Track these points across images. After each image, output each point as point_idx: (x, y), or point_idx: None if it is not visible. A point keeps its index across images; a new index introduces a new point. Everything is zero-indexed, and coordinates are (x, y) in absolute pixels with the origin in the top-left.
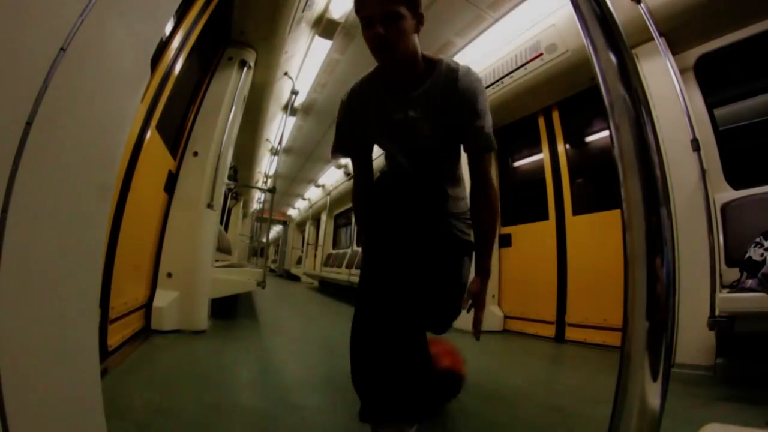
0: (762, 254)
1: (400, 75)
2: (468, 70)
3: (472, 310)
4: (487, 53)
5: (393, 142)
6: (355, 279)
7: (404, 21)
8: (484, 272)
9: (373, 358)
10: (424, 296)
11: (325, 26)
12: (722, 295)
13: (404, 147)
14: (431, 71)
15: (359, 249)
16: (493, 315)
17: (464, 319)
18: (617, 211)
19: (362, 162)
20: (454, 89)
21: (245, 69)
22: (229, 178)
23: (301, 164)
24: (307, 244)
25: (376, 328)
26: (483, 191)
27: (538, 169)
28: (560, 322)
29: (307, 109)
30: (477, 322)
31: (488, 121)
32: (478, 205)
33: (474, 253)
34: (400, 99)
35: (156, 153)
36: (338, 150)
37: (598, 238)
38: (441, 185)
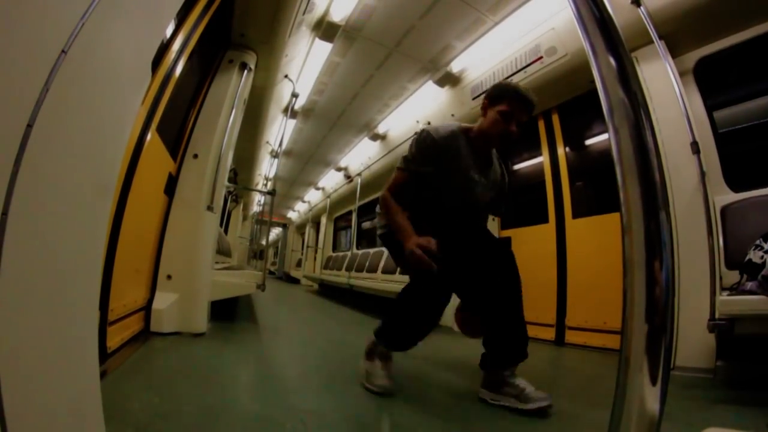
0: (762, 256)
1: (488, 152)
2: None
3: None
4: (487, 57)
5: (459, 191)
6: (355, 282)
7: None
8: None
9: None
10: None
11: (325, 29)
12: (722, 297)
13: (467, 198)
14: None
15: (359, 252)
16: None
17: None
18: (617, 214)
19: (415, 183)
20: (503, 176)
21: (245, 71)
22: (229, 180)
23: (301, 167)
24: (307, 246)
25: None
26: None
27: (538, 172)
28: (560, 325)
29: (307, 112)
30: None
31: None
32: None
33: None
34: (480, 167)
35: (156, 155)
36: (416, 164)
37: (598, 241)
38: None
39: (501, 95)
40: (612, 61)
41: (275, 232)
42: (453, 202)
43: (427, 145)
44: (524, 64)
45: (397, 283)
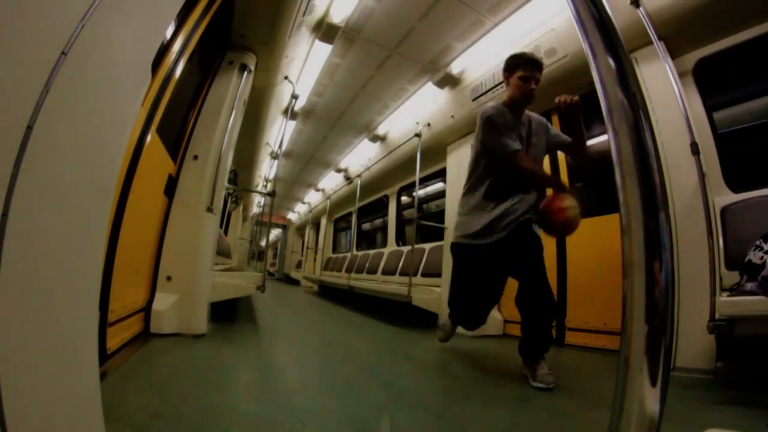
0: (762, 257)
1: (521, 113)
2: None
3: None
4: (486, 58)
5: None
6: (354, 283)
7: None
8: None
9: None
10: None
11: (325, 30)
12: (722, 298)
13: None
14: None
15: (359, 253)
16: (493, 319)
17: None
18: (617, 215)
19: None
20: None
21: (245, 73)
22: (229, 181)
23: (301, 168)
24: (307, 247)
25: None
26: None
27: None
28: (560, 326)
29: (307, 113)
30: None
31: None
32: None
33: None
34: (519, 126)
35: (156, 156)
36: (512, 140)
37: (597, 242)
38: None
39: (516, 64)
40: (611, 62)
41: (275, 234)
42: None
43: (492, 119)
44: None
45: (396, 284)
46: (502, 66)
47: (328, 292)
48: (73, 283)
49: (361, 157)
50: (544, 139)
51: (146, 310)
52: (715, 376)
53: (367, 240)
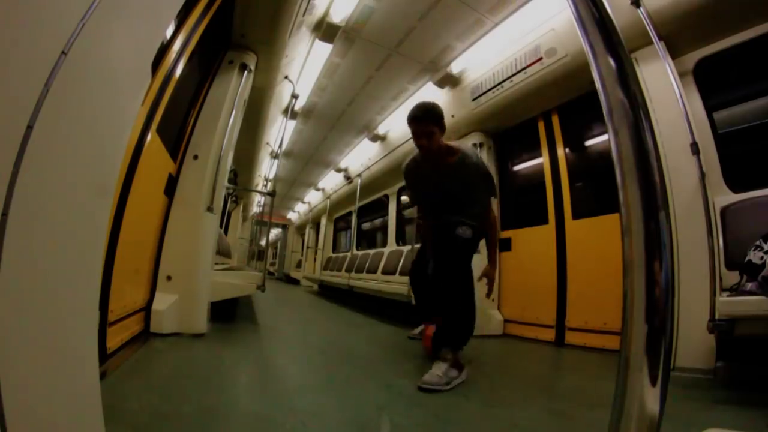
0: (762, 257)
1: (435, 160)
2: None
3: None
4: (486, 58)
5: (432, 189)
6: (355, 283)
7: (435, 135)
8: (492, 261)
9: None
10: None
11: (325, 30)
12: (722, 298)
13: (436, 194)
14: (453, 154)
15: (359, 253)
16: (493, 319)
17: None
18: (617, 215)
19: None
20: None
21: (246, 72)
22: (229, 181)
23: (301, 168)
24: (307, 247)
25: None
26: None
27: (537, 173)
28: (560, 326)
29: (307, 113)
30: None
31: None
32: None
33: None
34: (437, 170)
35: (156, 156)
36: (407, 188)
37: (598, 242)
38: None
39: (407, 122)
40: (612, 62)
41: (275, 233)
42: (431, 197)
43: (404, 174)
44: (524, 65)
45: (396, 284)
46: (502, 66)
47: (328, 292)
48: (73, 283)
49: (361, 157)
50: (461, 180)
51: (146, 309)
52: (715, 376)
53: (367, 239)
